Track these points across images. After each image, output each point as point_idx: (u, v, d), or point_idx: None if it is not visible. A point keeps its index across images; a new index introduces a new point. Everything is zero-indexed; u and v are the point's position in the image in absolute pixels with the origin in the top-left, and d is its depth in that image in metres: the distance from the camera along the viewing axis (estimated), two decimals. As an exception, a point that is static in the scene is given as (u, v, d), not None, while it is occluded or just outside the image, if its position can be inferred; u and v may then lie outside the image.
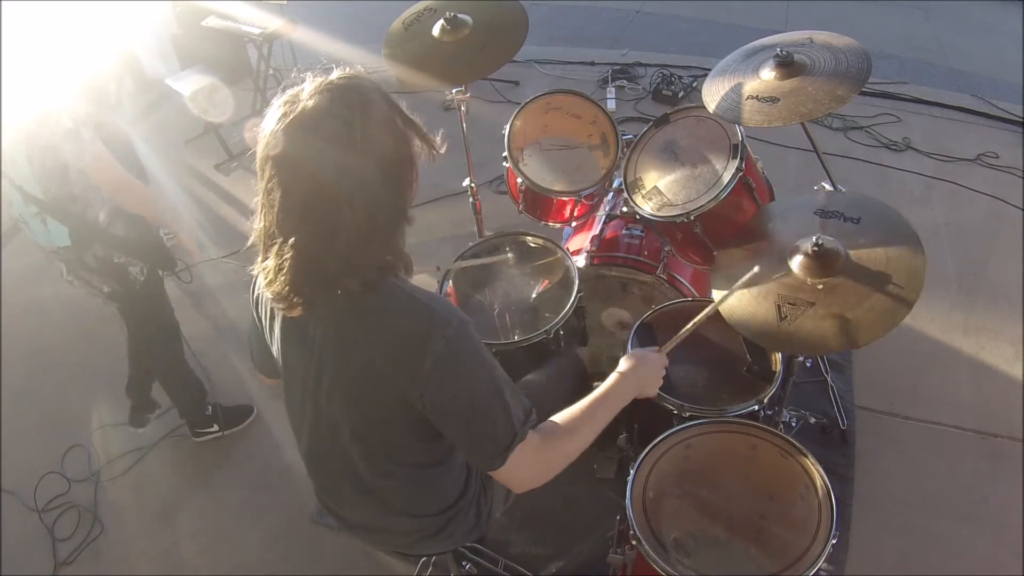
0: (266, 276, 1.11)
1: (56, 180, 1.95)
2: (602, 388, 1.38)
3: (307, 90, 1.05)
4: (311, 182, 1.03)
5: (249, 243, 1.15)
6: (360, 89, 1.06)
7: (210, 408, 2.61)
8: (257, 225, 1.11)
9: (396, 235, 1.14)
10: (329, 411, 1.26)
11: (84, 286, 2.17)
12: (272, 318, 1.28)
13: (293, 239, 1.06)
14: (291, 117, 1.03)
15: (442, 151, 1.17)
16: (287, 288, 1.09)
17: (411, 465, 1.31)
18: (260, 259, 1.13)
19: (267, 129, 1.05)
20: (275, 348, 1.31)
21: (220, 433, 2.64)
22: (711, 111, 1.80)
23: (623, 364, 1.46)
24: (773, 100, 1.68)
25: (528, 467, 1.22)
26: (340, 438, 1.30)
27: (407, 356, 1.11)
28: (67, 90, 1.88)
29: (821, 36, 1.76)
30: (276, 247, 1.08)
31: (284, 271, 1.07)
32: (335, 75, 1.07)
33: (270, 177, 1.05)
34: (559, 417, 1.30)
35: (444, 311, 1.13)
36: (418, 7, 2.27)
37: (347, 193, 1.03)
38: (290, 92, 1.06)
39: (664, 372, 1.53)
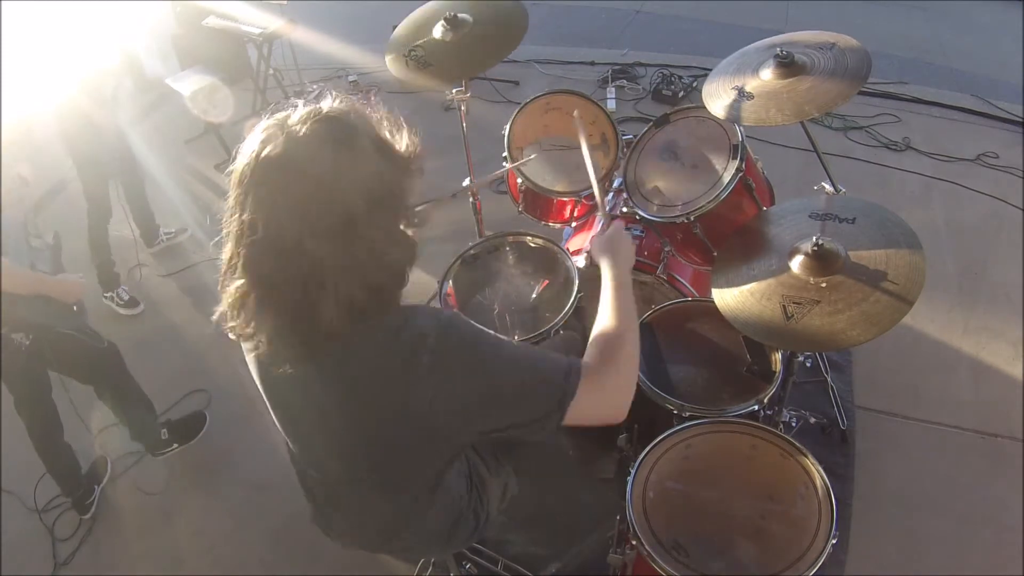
0: (265, 338, 1.08)
1: None
2: (608, 291, 1.32)
3: (295, 118, 0.99)
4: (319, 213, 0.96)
5: (220, 310, 1.11)
6: (347, 121, 1.02)
7: (164, 432, 2.56)
8: (238, 285, 1.04)
9: (392, 267, 1.08)
10: (320, 445, 1.27)
11: None
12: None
13: (322, 281, 0.99)
14: (285, 147, 0.97)
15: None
16: (295, 339, 1.05)
17: (413, 487, 1.29)
18: (251, 325, 1.08)
19: (255, 158, 0.98)
20: (258, 379, 1.28)
21: (179, 448, 2.60)
22: (711, 111, 1.80)
23: (602, 261, 1.39)
24: (772, 100, 1.68)
25: (593, 407, 1.14)
26: (330, 473, 1.33)
27: (398, 377, 1.05)
28: None
29: (840, 39, 1.72)
30: (296, 298, 1.01)
31: (298, 323, 1.03)
32: (324, 105, 1.02)
33: (264, 219, 0.98)
34: (597, 344, 1.23)
35: (423, 321, 1.07)
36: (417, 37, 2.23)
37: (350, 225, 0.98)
38: (276, 118, 1.01)
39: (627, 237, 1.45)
